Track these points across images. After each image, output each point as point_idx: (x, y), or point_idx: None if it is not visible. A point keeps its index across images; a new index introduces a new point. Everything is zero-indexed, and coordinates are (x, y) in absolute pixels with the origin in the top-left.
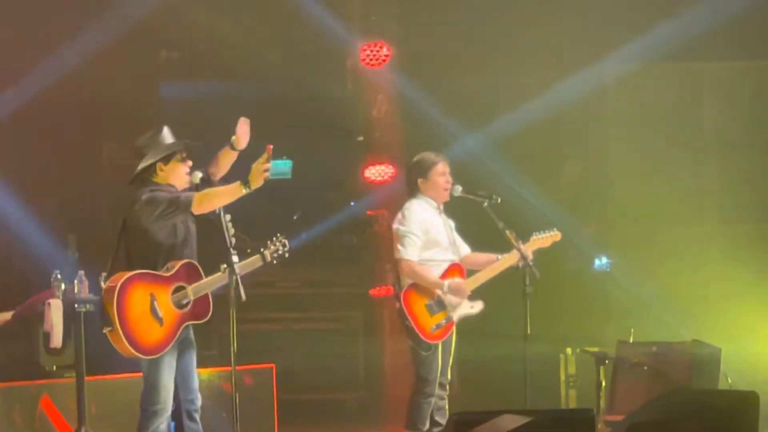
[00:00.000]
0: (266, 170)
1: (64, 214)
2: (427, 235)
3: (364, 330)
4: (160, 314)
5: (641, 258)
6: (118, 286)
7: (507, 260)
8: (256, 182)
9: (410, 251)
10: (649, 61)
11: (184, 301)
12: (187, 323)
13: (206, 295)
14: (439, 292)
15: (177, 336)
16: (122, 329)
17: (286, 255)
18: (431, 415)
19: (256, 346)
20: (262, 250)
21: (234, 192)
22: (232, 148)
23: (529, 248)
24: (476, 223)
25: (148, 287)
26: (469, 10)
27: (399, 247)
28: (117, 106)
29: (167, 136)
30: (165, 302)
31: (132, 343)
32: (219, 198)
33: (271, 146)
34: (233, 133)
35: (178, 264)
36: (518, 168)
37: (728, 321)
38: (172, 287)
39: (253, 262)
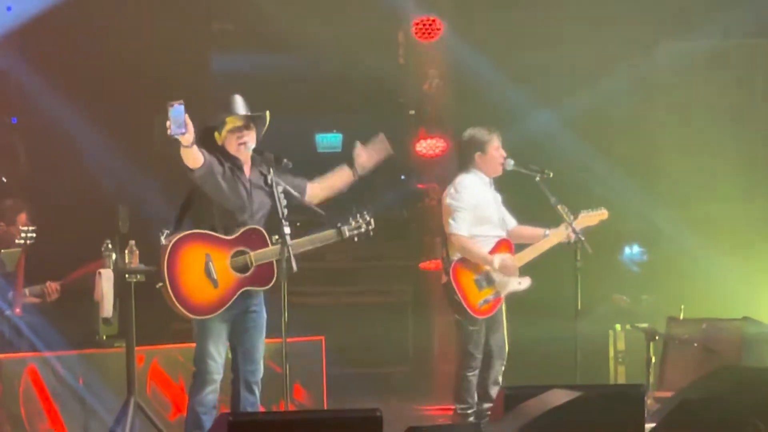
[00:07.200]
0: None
1: (115, 185)
2: (477, 211)
3: (414, 304)
4: (215, 276)
5: (693, 235)
6: (171, 243)
7: (555, 236)
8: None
9: (461, 225)
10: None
11: (244, 266)
12: (245, 288)
13: (271, 263)
14: (487, 267)
15: (233, 299)
16: (170, 286)
17: (371, 233)
18: (487, 388)
19: (305, 319)
20: (339, 225)
21: (186, 153)
22: (351, 167)
23: (577, 225)
24: (524, 196)
25: (204, 248)
26: None
27: (450, 221)
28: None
29: (235, 104)
30: (222, 264)
31: (180, 300)
32: (185, 155)
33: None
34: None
35: (243, 228)
36: (575, 147)
37: None
38: (233, 251)
39: (327, 236)
